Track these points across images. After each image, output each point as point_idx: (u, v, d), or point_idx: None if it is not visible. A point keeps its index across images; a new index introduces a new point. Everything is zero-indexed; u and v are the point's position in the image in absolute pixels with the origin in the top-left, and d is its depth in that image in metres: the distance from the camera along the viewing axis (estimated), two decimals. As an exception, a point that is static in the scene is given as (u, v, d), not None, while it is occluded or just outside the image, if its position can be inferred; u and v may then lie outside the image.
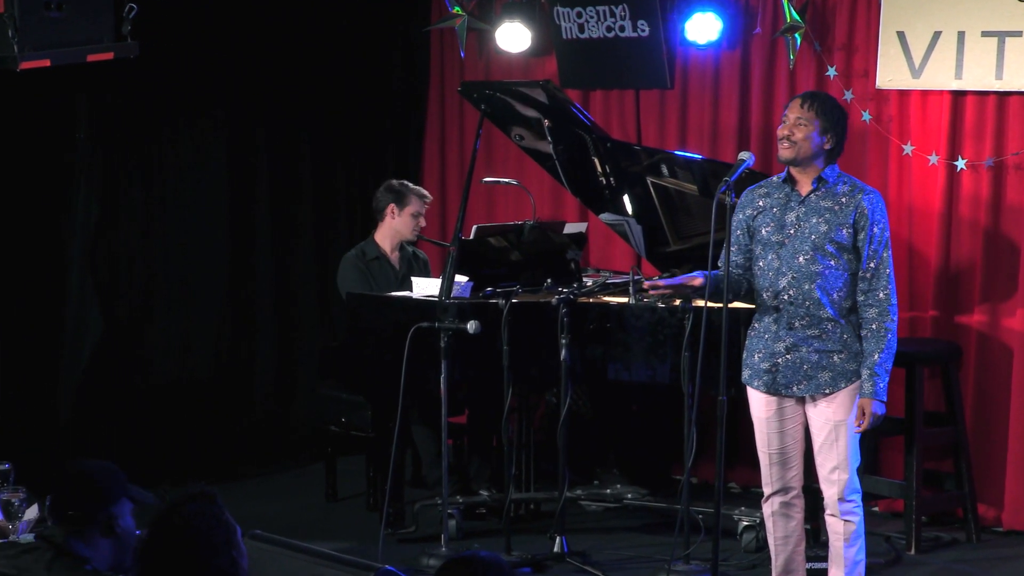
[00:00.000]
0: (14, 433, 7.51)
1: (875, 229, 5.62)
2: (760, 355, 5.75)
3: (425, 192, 7.76)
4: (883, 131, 7.41)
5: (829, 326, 5.64)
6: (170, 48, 7.83)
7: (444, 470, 6.71)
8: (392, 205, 7.67)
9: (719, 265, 5.81)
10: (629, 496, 7.41)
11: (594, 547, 6.91)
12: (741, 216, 5.81)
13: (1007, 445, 7.16)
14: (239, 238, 8.62)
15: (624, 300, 6.86)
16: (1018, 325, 7.15)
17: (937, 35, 7.15)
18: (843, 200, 5.66)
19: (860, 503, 5.76)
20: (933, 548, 7.01)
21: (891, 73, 7.30)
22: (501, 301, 6.73)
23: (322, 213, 8.95)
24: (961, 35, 7.08)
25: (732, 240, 5.79)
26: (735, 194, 5.77)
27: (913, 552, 6.92)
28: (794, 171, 5.73)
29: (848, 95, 7.42)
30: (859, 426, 5.60)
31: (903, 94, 7.35)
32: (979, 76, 7.07)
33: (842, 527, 5.73)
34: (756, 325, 5.81)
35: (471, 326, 6.40)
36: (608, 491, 7.51)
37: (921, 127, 7.32)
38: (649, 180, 7.24)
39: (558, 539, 6.72)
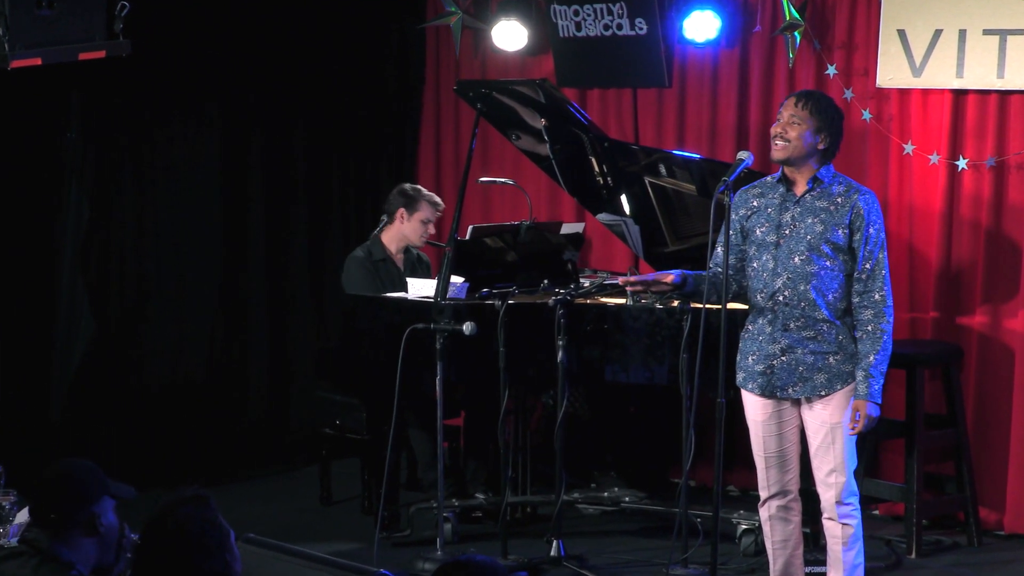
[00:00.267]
0: (5, 435, 7.49)
1: (871, 230, 5.60)
2: (754, 357, 5.73)
3: (438, 200, 7.70)
4: (883, 130, 7.39)
5: (824, 327, 5.62)
6: (163, 46, 7.82)
7: (440, 473, 6.69)
8: (402, 210, 7.65)
9: (710, 266, 5.80)
10: (627, 499, 7.40)
11: (591, 551, 6.89)
12: (734, 216, 5.79)
13: (1009, 448, 7.15)
14: (233, 238, 8.60)
15: (622, 301, 6.86)
16: (1020, 326, 7.13)
17: (938, 33, 7.14)
18: (839, 200, 5.63)
19: (858, 506, 5.74)
20: (934, 552, 6.99)
21: (891, 72, 7.28)
22: (497, 302, 6.71)
23: (316, 213, 8.93)
24: (962, 33, 7.07)
25: (723, 240, 5.75)
26: (734, 194, 5.76)
27: (914, 556, 6.91)
28: (788, 171, 5.70)
29: (848, 94, 7.41)
30: (853, 428, 5.57)
31: (904, 93, 7.34)
32: (980, 75, 7.06)
33: (840, 531, 5.71)
34: (750, 327, 5.78)
35: (467, 327, 6.39)
36: (606, 494, 7.49)
37: (922, 126, 7.30)
38: (647, 180, 7.23)
39: (555, 543, 6.71)
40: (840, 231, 5.58)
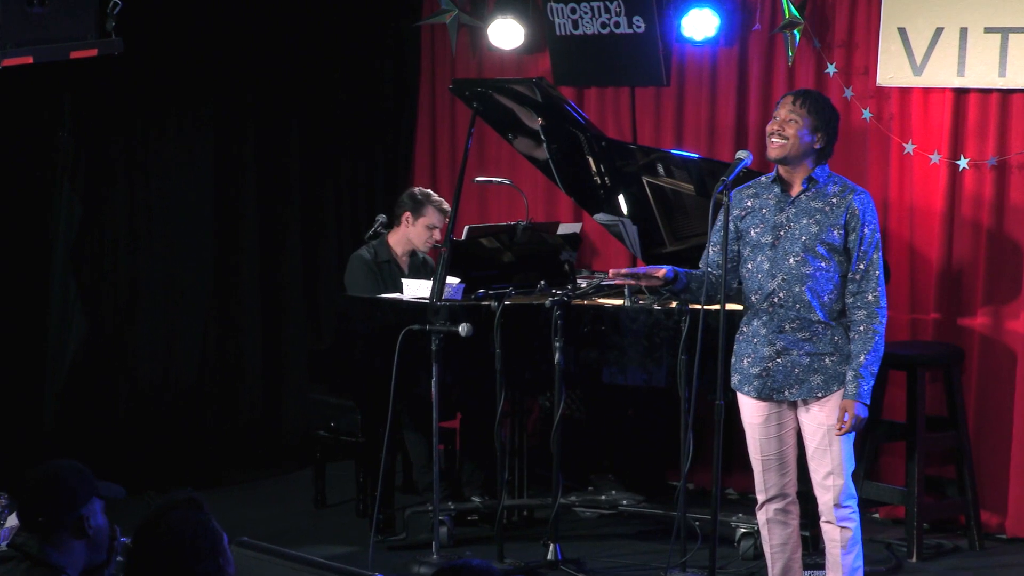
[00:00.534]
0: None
1: (866, 230, 5.57)
2: (749, 360, 5.71)
3: (447, 207, 7.63)
4: (884, 130, 7.37)
5: (819, 328, 5.60)
6: (155, 45, 7.81)
7: (435, 476, 6.68)
8: (408, 213, 7.64)
9: (700, 266, 5.81)
10: (624, 502, 7.38)
11: (589, 555, 6.88)
12: (728, 216, 5.71)
13: (1010, 450, 7.13)
14: (226, 238, 8.58)
15: (619, 302, 6.85)
16: (1022, 328, 7.11)
17: (939, 31, 7.12)
18: (834, 201, 5.61)
19: (856, 508, 5.72)
20: (935, 556, 6.97)
21: (892, 70, 7.26)
22: (493, 303, 6.70)
23: (310, 213, 8.92)
24: (964, 31, 7.06)
25: (716, 240, 5.75)
26: (736, 196, 5.74)
27: (914, 560, 6.88)
28: (783, 171, 5.68)
29: (848, 93, 7.41)
30: (840, 429, 5.54)
31: (904, 92, 7.32)
32: (982, 73, 7.04)
33: (839, 534, 5.68)
34: (744, 329, 5.76)
35: (463, 329, 6.38)
36: (603, 497, 7.48)
37: (923, 125, 7.28)
38: (645, 180, 7.22)
39: (552, 546, 6.70)
40: (835, 232, 5.56)
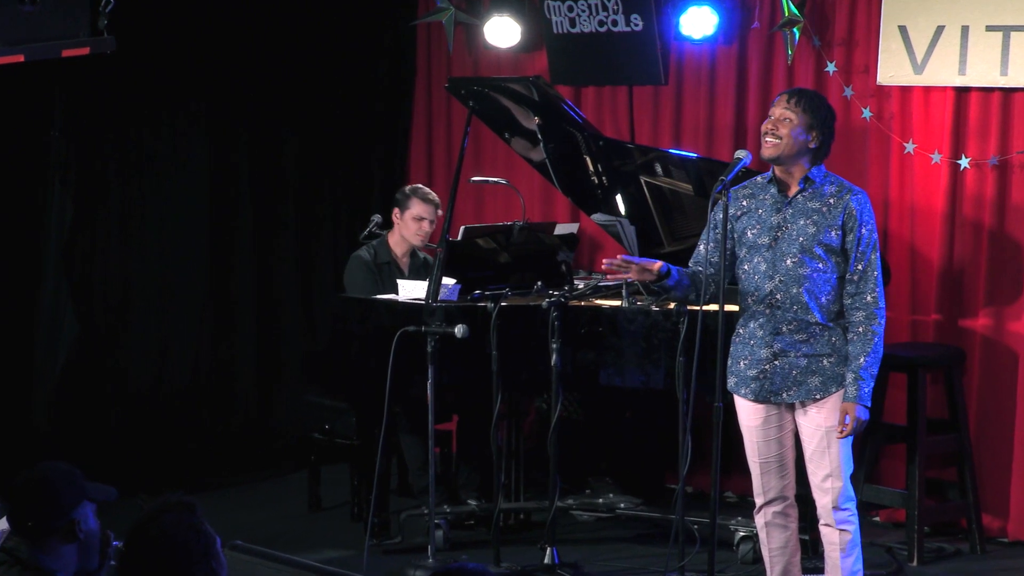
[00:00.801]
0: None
1: (863, 231, 5.56)
2: (746, 362, 5.69)
3: (432, 196, 7.61)
4: (884, 129, 7.35)
5: (817, 330, 5.58)
6: (148, 43, 7.82)
7: (431, 479, 6.65)
8: (396, 209, 7.66)
9: (690, 264, 5.81)
10: (622, 505, 7.37)
11: (586, 558, 6.88)
12: (722, 216, 5.68)
13: (1012, 453, 7.12)
14: (220, 238, 8.59)
15: (617, 303, 6.83)
16: (1023, 329, 7.08)
17: (940, 29, 7.10)
18: (831, 201, 5.59)
19: (855, 511, 5.71)
20: (936, 559, 6.96)
21: (892, 69, 7.24)
22: (490, 304, 6.68)
23: (305, 212, 8.93)
24: (965, 29, 7.04)
25: (709, 238, 5.74)
26: (732, 195, 5.71)
27: (915, 563, 6.87)
28: (779, 171, 5.66)
29: (848, 92, 7.40)
30: (840, 432, 5.53)
31: (905, 90, 7.31)
32: (983, 72, 7.03)
33: (837, 537, 5.67)
34: (740, 331, 5.75)
35: (459, 330, 6.34)
36: (600, 500, 7.46)
37: (923, 125, 7.27)
38: (643, 179, 7.21)
39: (549, 550, 6.67)
40: (833, 232, 5.54)
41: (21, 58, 6.24)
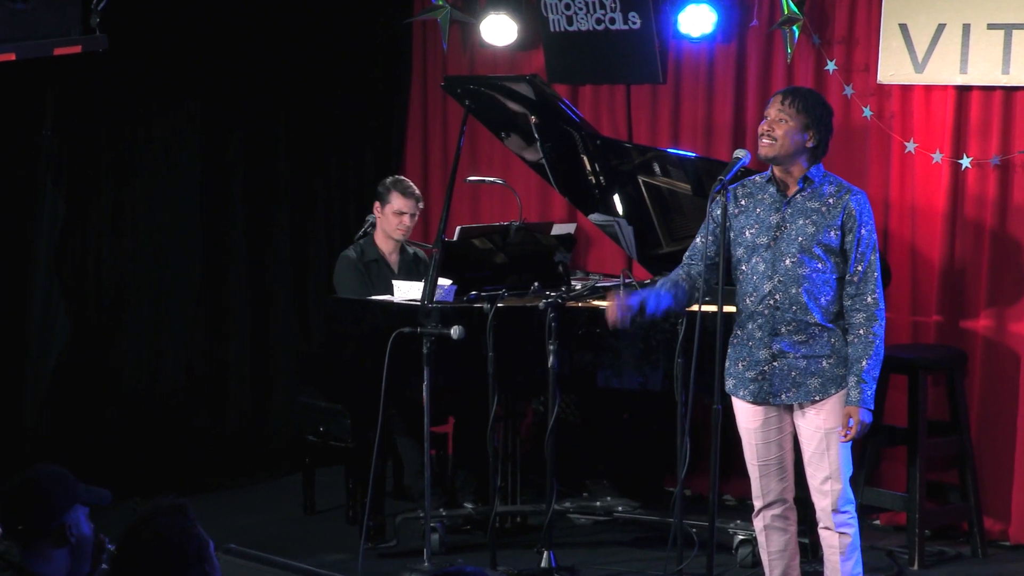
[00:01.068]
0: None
1: (863, 231, 5.55)
2: (744, 363, 5.67)
3: (411, 188, 7.56)
4: (885, 128, 7.34)
5: (816, 331, 5.56)
6: (141, 41, 7.79)
7: (427, 481, 6.63)
8: (377, 203, 7.64)
9: (684, 259, 5.80)
10: (620, 509, 7.37)
11: (583, 562, 6.87)
12: (719, 215, 5.67)
13: (1014, 455, 7.11)
14: (213, 238, 8.56)
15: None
16: (1025, 330, 7.12)
17: (941, 28, 7.09)
18: (830, 201, 5.57)
19: (855, 514, 5.70)
20: (937, 563, 6.95)
21: (893, 67, 7.23)
22: (486, 305, 6.68)
23: (300, 212, 8.91)
24: (966, 27, 7.03)
25: (708, 232, 5.71)
26: (730, 194, 5.68)
27: (916, 567, 6.86)
28: (778, 171, 5.64)
29: (848, 90, 7.39)
30: (845, 436, 5.52)
31: (905, 89, 7.29)
32: (985, 70, 7.01)
33: (837, 540, 5.66)
34: (738, 332, 5.73)
35: (455, 331, 6.33)
36: (598, 503, 7.46)
37: (924, 124, 7.26)
38: (640, 179, 7.20)
39: (546, 554, 6.66)
40: (832, 233, 5.53)
41: (12, 56, 6.29)
